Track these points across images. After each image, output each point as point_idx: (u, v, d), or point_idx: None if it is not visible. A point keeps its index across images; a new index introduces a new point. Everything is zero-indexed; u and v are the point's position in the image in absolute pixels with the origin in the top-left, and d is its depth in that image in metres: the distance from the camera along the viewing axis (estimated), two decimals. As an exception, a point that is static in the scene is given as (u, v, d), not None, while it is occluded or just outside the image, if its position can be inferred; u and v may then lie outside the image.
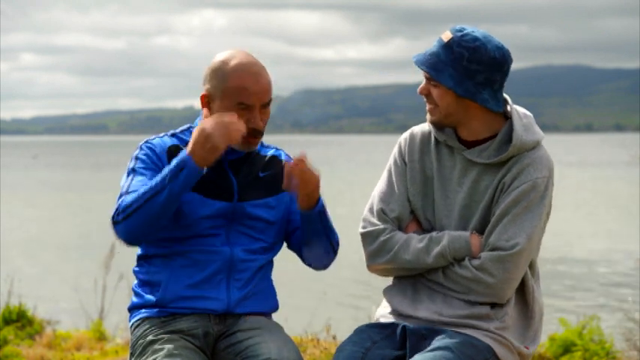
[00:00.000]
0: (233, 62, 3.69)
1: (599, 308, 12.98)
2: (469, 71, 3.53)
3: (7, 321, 8.73)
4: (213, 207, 3.69)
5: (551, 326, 8.00)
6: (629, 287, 15.89)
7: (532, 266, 3.66)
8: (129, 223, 3.54)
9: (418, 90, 3.64)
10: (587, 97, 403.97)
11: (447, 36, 3.58)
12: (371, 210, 3.73)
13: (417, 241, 3.63)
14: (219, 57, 3.72)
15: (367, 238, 3.71)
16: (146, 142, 3.76)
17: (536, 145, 3.60)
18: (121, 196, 3.63)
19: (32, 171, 70.53)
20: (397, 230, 3.69)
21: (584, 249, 21.84)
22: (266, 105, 3.71)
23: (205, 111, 3.73)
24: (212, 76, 3.70)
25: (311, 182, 3.63)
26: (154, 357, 3.53)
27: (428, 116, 3.66)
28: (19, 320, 8.77)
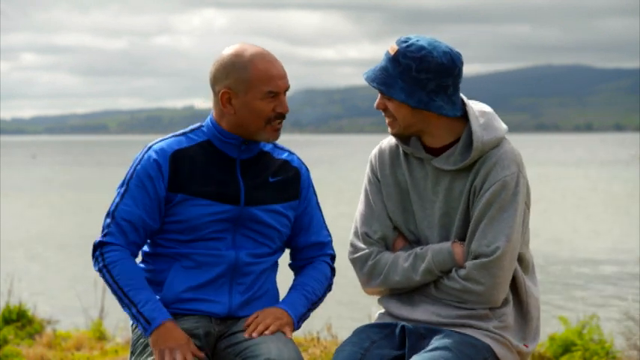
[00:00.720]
0: (248, 53, 3.65)
1: (599, 308, 12.97)
2: (419, 81, 3.51)
3: (7, 321, 8.74)
4: (219, 211, 3.66)
5: (552, 326, 8.01)
6: (629, 287, 15.89)
7: (522, 261, 3.64)
8: (104, 280, 3.64)
9: (375, 105, 3.63)
10: (587, 97, 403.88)
11: (392, 49, 3.55)
12: (356, 234, 3.72)
13: (403, 260, 3.62)
14: (229, 52, 3.67)
15: (356, 263, 3.71)
16: (150, 148, 3.71)
17: (499, 142, 3.58)
18: (108, 214, 3.64)
19: (32, 170, 70.51)
20: (384, 251, 3.68)
21: (584, 248, 21.83)
22: (287, 89, 3.70)
23: (229, 108, 3.67)
24: (229, 70, 3.64)
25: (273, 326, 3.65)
26: (154, 357, 3.54)
27: (389, 129, 3.64)
28: (19, 320, 8.77)
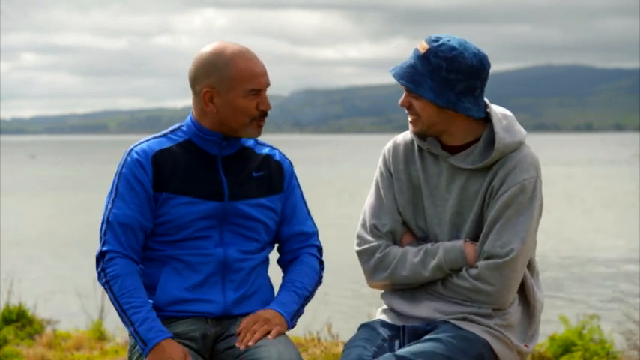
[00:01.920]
0: (229, 51, 3.65)
1: (599, 308, 12.97)
2: (449, 81, 3.51)
3: (7, 321, 8.74)
4: (204, 208, 3.65)
5: (551, 326, 8.01)
6: (630, 286, 15.90)
7: (530, 264, 3.65)
8: (108, 295, 3.63)
9: (399, 102, 3.62)
10: (587, 97, 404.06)
11: (423, 47, 3.55)
12: (364, 226, 3.71)
13: (412, 255, 3.61)
14: (209, 50, 3.66)
15: (363, 256, 3.69)
16: (132, 150, 3.70)
17: (519, 146, 3.59)
18: (103, 222, 3.64)
19: (32, 170, 70.51)
20: (392, 245, 3.67)
21: (584, 248, 21.83)
22: (268, 86, 3.70)
23: (211, 106, 3.66)
24: (210, 69, 3.63)
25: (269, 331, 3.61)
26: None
27: (411, 127, 3.64)
28: (19, 320, 8.77)
